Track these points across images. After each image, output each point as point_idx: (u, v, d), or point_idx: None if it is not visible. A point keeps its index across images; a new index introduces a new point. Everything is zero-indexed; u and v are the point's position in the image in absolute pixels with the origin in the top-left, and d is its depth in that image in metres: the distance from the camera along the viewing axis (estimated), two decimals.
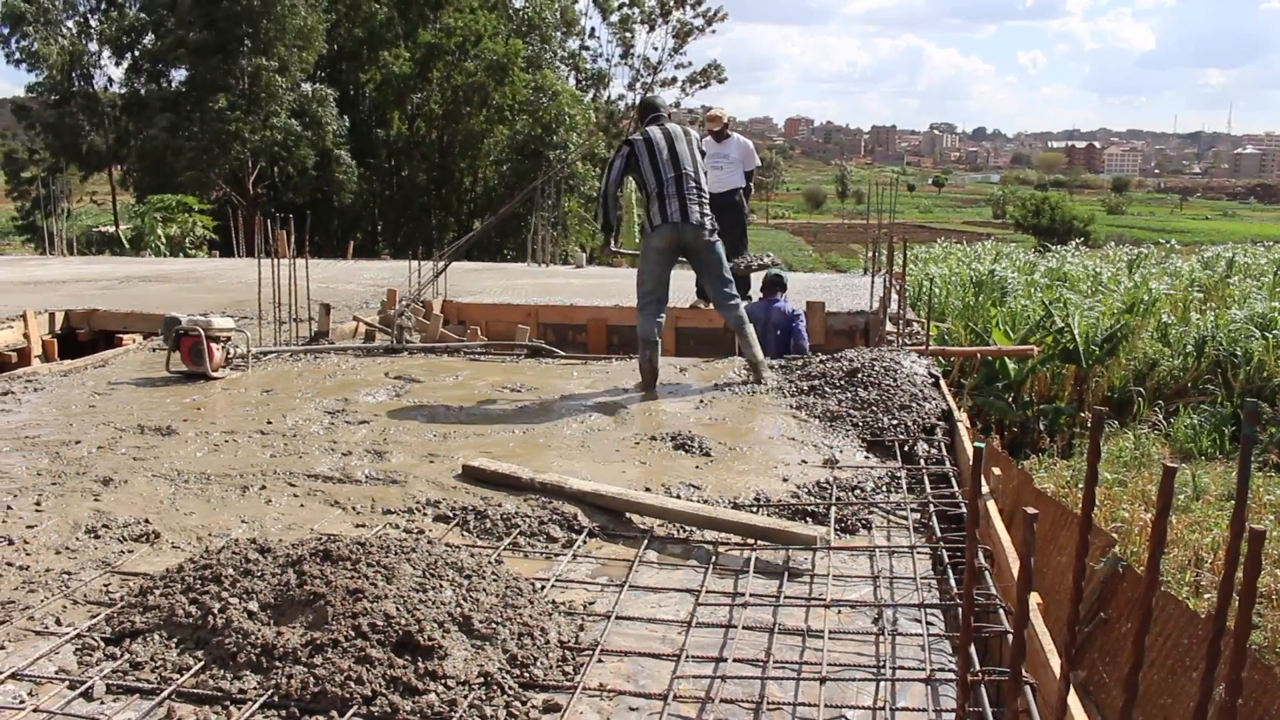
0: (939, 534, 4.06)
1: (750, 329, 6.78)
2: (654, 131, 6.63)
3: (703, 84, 46.82)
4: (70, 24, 33.52)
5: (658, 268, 6.69)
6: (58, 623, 3.18)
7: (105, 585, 3.48)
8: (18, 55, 32.26)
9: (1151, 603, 1.70)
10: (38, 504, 4.30)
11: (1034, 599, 3.08)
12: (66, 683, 2.79)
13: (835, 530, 4.17)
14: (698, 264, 6.85)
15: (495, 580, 3.30)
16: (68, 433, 5.55)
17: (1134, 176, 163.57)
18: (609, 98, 45.11)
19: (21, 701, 2.71)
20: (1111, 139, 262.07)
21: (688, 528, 4.14)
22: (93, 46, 33.83)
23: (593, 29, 45.39)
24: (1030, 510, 1.88)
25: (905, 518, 4.34)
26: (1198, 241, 43.44)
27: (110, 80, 34.76)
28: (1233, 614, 1.63)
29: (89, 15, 33.81)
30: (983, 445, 2.37)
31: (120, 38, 32.32)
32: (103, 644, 3.00)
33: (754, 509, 4.39)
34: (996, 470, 4.59)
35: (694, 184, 6.53)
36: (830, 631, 3.23)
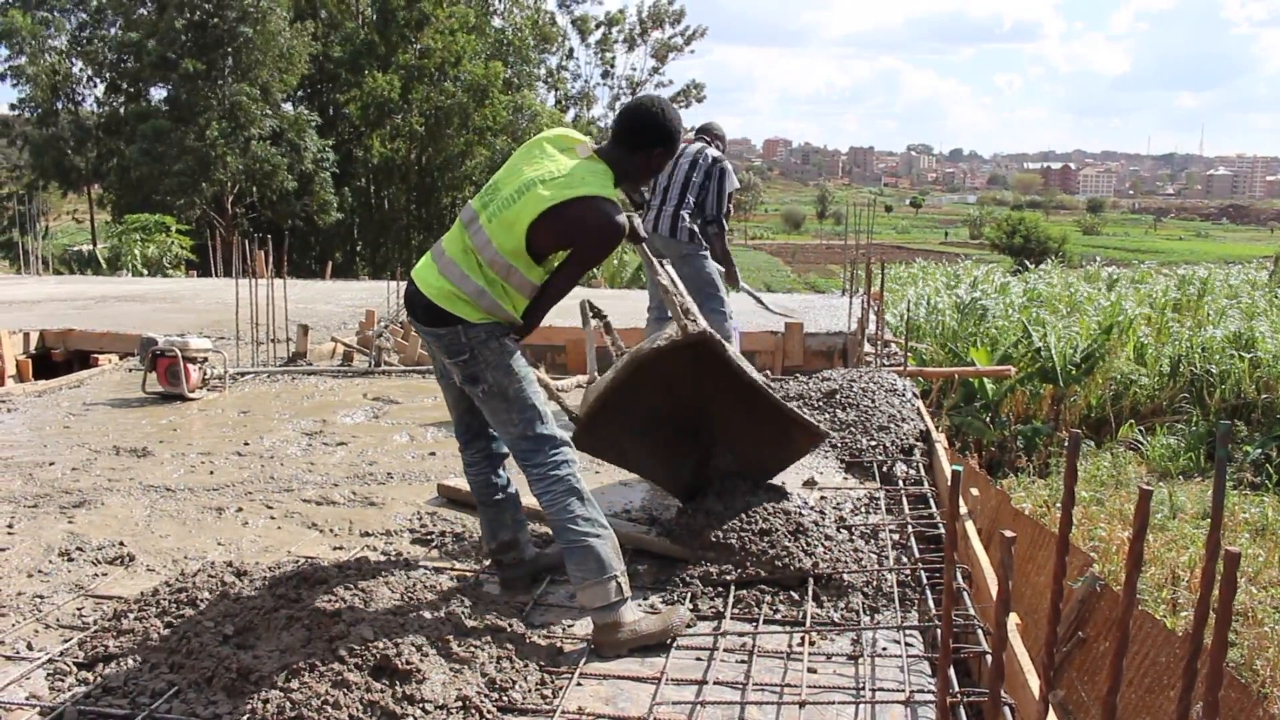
0: (917, 555, 4.06)
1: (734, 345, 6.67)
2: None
3: (684, 103, 47.08)
4: (61, 41, 33.24)
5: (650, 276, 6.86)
6: (29, 647, 3.14)
7: (78, 609, 3.44)
8: (3, 71, 31.97)
9: (1129, 625, 1.70)
10: (9, 526, 4.26)
11: (1013, 619, 3.09)
12: (38, 709, 2.76)
13: None
14: (681, 276, 6.81)
15: (474, 603, 3.29)
16: (41, 454, 5.50)
17: (1109, 197, 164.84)
18: (591, 118, 45.23)
19: None
20: (1086, 160, 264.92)
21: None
22: (78, 65, 33.62)
23: (571, 49, 45.35)
24: (1008, 533, 1.88)
25: (884, 539, 4.35)
26: (1173, 261, 43.84)
27: (96, 101, 34.54)
28: (1209, 633, 1.64)
29: (78, 33, 33.59)
30: (961, 469, 2.38)
31: (101, 57, 32.15)
32: (75, 669, 2.96)
33: None
34: (975, 490, 4.60)
35: (675, 197, 6.42)
36: (810, 653, 3.22)
